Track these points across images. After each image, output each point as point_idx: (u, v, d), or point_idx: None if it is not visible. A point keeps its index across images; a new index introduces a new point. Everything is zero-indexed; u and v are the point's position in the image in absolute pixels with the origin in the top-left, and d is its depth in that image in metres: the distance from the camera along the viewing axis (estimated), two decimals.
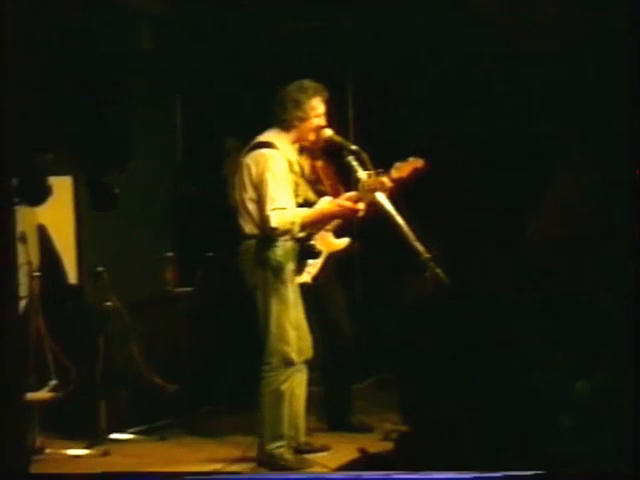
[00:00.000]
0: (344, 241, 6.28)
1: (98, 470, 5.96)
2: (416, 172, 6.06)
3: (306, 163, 6.35)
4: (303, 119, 5.88)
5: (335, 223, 6.16)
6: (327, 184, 6.36)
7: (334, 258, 6.27)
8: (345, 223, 6.22)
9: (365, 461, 2.45)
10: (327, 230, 6.16)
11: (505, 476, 2.39)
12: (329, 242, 6.20)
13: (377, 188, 5.86)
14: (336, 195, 6.04)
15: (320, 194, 6.13)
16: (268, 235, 5.76)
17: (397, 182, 5.96)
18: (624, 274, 4.34)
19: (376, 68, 7.60)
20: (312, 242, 5.99)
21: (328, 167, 6.50)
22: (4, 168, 3.05)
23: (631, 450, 2.68)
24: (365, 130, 7.30)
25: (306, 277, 5.95)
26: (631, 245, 3.73)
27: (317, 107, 5.90)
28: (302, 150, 6.14)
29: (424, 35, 7.28)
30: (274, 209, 5.73)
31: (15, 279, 3.26)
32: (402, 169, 6.02)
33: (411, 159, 6.06)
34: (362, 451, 5.29)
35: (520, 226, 6.06)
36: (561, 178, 6.07)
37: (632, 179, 3.96)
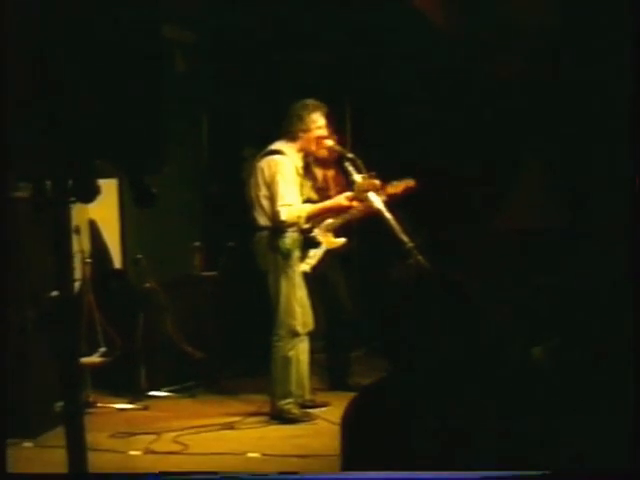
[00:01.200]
0: (341, 240, 6.34)
1: (140, 421, 6.06)
2: (408, 190, 6.11)
3: (319, 173, 6.43)
4: (305, 131, 5.94)
5: (336, 224, 6.23)
6: (335, 190, 6.42)
7: (333, 252, 6.34)
8: (345, 225, 6.29)
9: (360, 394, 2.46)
10: (329, 230, 6.23)
11: (513, 476, 2.30)
12: (329, 240, 6.26)
13: (370, 189, 5.91)
14: None
15: (328, 198, 6.19)
16: (278, 226, 5.83)
17: (391, 196, 6.01)
18: (575, 260, 4.39)
19: (369, 90, 7.64)
20: (314, 235, 6.05)
21: (337, 176, 6.57)
22: (62, 172, 3.10)
23: (632, 450, 2.61)
24: (361, 140, 7.34)
25: (306, 267, 6.01)
26: (631, 241, 3.69)
27: (317, 120, 5.94)
28: (316, 161, 6.23)
29: (409, 57, 7.32)
30: (283, 205, 5.79)
31: (71, 264, 3.29)
32: (397, 187, 6.08)
33: (405, 180, 6.12)
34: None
35: (489, 216, 6.10)
36: (526, 175, 6.10)
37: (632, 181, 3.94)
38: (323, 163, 6.41)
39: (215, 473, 3.89)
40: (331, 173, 6.56)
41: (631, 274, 3.47)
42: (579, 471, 2.47)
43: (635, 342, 2.99)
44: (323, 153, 6.20)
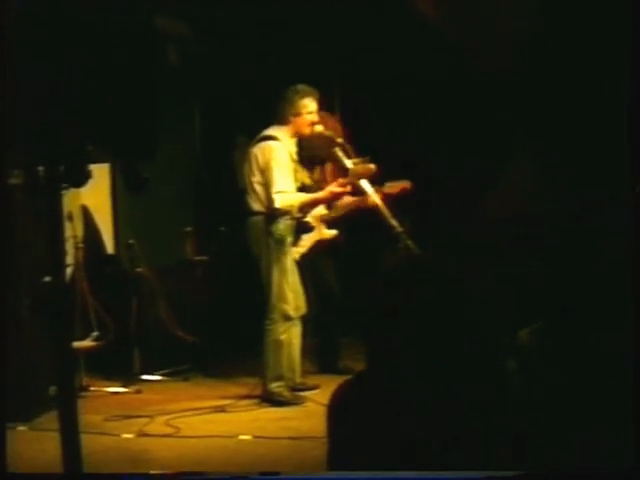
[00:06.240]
0: (332, 232, 6.31)
1: (133, 404, 6.03)
2: (404, 191, 6.10)
3: (318, 167, 6.39)
4: (296, 115, 5.90)
5: (331, 217, 6.22)
6: (330, 182, 6.38)
7: (323, 242, 6.31)
8: (340, 219, 6.27)
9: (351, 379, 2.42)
10: (322, 221, 6.21)
11: (513, 476, 2.23)
12: (321, 231, 6.24)
13: (363, 174, 5.90)
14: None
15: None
16: (272, 213, 5.80)
17: (387, 196, 6.00)
18: (561, 247, 4.38)
19: (358, 77, 7.62)
20: (307, 220, 6.03)
21: (335, 170, 6.52)
22: (54, 157, 3.08)
23: (632, 450, 2.54)
24: (350, 127, 7.31)
25: (295, 255, 5.98)
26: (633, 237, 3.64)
27: (308, 105, 5.91)
28: (313, 159, 6.21)
29: (395, 48, 7.30)
30: (278, 192, 5.76)
31: (64, 250, 3.28)
32: (393, 187, 6.08)
33: (401, 182, 6.10)
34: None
35: (476, 204, 6.08)
36: (512, 164, 6.08)
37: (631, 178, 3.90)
38: (320, 159, 6.37)
39: (201, 474, 3.87)
40: (329, 167, 6.52)
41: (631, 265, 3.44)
42: (577, 471, 2.42)
43: (634, 334, 2.96)
44: (318, 141, 6.16)
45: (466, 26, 6.59)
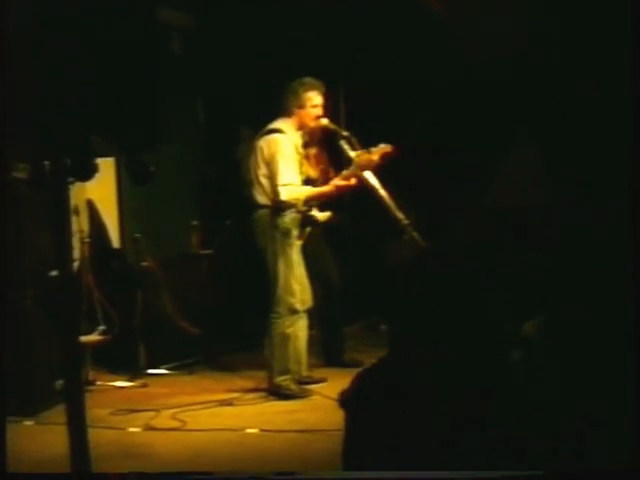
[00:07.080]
0: (326, 215, 6.27)
1: (139, 398, 6.02)
2: (386, 155, 6.02)
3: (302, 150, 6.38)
4: (300, 107, 5.89)
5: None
6: (319, 169, 6.36)
7: (320, 227, 6.28)
8: (332, 200, 6.25)
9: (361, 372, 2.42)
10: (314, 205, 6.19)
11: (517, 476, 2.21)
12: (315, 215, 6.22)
13: (367, 165, 5.89)
14: (325, 177, 6.07)
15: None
16: (278, 205, 5.79)
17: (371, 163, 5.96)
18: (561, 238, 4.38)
19: (363, 71, 7.61)
20: (312, 213, 6.01)
21: (320, 154, 6.50)
22: (60, 151, 3.08)
23: (631, 450, 2.52)
24: (354, 119, 7.31)
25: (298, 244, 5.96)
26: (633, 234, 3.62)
27: (313, 98, 5.89)
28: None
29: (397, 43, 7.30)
30: (284, 185, 5.75)
31: (70, 244, 3.28)
32: (375, 152, 6.02)
33: (381, 145, 6.03)
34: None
35: (479, 195, 6.08)
36: (514, 156, 6.08)
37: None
38: (306, 143, 6.35)
39: (210, 473, 3.86)
40: (313, 151, 6.48)
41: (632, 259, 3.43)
42: (578, 471, 2.40)
43: (635, 332, 2.95)
44: (317, 128, 6.14)
45: (468, 26, 6.60)
